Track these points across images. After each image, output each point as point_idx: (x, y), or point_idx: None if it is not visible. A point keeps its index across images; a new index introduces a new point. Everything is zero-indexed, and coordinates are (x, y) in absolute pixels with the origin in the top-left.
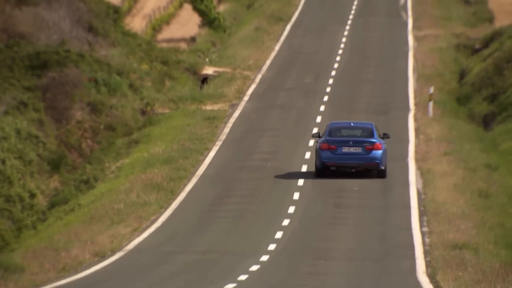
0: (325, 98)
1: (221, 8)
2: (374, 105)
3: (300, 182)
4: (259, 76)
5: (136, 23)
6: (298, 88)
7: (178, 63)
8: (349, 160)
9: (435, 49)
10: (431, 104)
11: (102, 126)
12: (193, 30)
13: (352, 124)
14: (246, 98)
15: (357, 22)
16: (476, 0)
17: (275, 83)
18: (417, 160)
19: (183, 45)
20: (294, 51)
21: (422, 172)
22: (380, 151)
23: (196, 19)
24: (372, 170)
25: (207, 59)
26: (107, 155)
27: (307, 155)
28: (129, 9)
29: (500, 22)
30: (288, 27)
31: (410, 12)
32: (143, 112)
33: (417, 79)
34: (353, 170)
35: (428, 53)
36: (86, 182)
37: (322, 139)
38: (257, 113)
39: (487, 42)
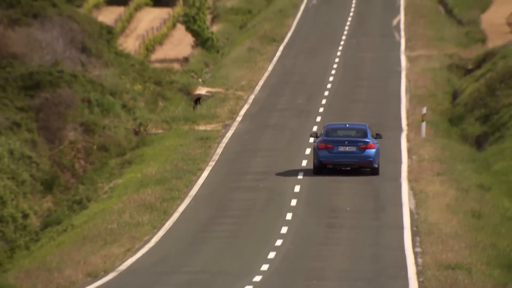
0: (318, 119)
1: (214, 28)
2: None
3: (293, 202)
4: (252, 97)
5: (129, 44)
6: (291, 109)
7: (171, 84)
8: (345, 159)
9: (427, 70)
10: (423, 124)
11: (95, 147)
12: (186, 51)
13: (347, 125)
14: (239, 118)
15: (350, 42)
16: (468, 20)
17: (268, 103)
18: (409, 181)
19: (176, 66)
20: (287, 72)
21: (415, 192)
22: (373, 150)
23: (189, 39)
24: (366, 168)
25: (200, 80)
26: (100, 176)
27: (300, 175)
28: (122, 30)
29: (493, 42)
30: (281, 47)
31: (402, 33)
32: (136, 133)
33: (410, 100)
34: (348, 168)
35: (421, 74)
36: (79, 202)
37: (319, 139)
38: (250, 133)
39: (479, 62)
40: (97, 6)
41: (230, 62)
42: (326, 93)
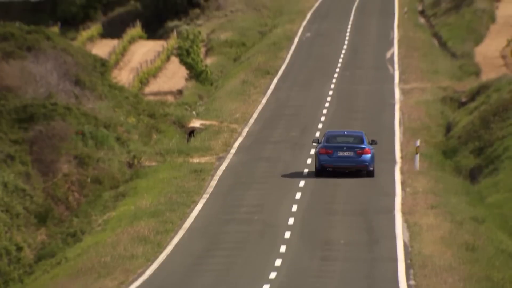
0: (312, 151)
1: (208, 61)
2: None
3: (287, 234)
4: (246, 129)
5: (123, 76)
6: (285, 141)
7: (165, 116)
8: (343, 163)
9: (421, 102)
10: (417, 157)
11: (89, 179)
12: (180, 83)
13: (346, 132)
14: (233, 151)
15: (344, 75)
16: (462, 53)
17: (262, 136)
18: (403, 213)
19: (170, 98)
20: (281, 104)
21: (409, 225)
22: (369, 155)
23: (183, 72)
24: (362, 171)
25: (194, 112)
26: (94, 208)
27: (294, 207)
28: (116, 62)
29: (487, 75)
30: (275, 80)
31: (396, 66)
32: (130, 165)
33: (404, 132)
34: (347, 171)
35: (415, 106)
36: (73, 235)
37: (321, 145)
38: (244, 166)
39: (473, 95)
40: (91, 39)
41: (224, 95)
42: (320, 125)
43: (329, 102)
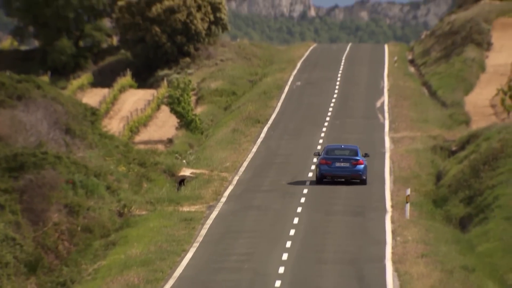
0: (302, 200)
1: (198, 110)
2: (351, 206)
3: (277, 283)
4: (236, 178)
5: (114, 125)
6: (275, 190)
7: (155, 165)
8: (340, 172)
9: (411, 151)
10: (407, 206)
11: (79, 228)
12: (171, 132)
13: (342, 146)
14: (223, 199)
15: (334, 124)
16: (452, 102)
17: (252, 184)
18: (394, 262)
19: (160, 147)
20: (271, 153)
21: (399, 274)
22: (362, 166)
23: (173, 121)
24: (356, 179)
25: (184, 161)
26: (84, 257)
27: (284, 256)
28: (107, 111)
29: (477, 124)
30: (265, 129)
31: (386, 114)
32: (120, 214)
33: (394, 181)
34: (343, 180)
35: (405, 155)
36: (63, 284)
37: (321, 156)
38: (234, 214)
39: (463, 144)
40: (81, 88)
41: (215, 144)
42: (310, 174)
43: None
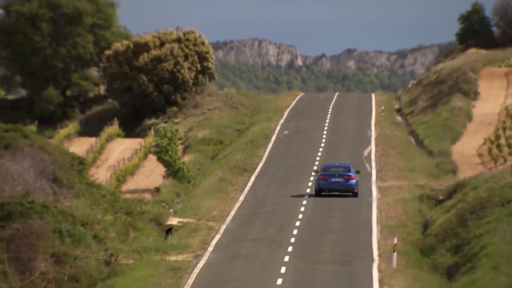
0: (290, 249)
1: (186, 158)
2: (338, 255)
3: None
4: (223, 227)
5: (101, 174)
6: (263, 239)
7: (142, 214)
8: (335, 186)
9: (398, 200)
10: (395, 255)
11: (66, 278)
12: (158, 181)
13: (337, 164)
14: (210, 248)
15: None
16: (439, 151)
17: (239, 233)
18: None
19: (147, 196)
20: (258, 202)
21: None
22: (354, 180)
23: (160, 169)
24: (349, 192)
25: (171, 210)
26: None
27: None
28: (94, 160)
29: (464, 173)
30: (252, 177)
31: (373, 163)
32: (107, 263)
33: (381, 230)
34: (338, 192)
35: (392, 204)
36: None
37: (319, 173)
38: (222, 263)
39: (450, 193)
40: (68, 137)
41: (202, 192)
42: (298, 223)
43: (307, 199)
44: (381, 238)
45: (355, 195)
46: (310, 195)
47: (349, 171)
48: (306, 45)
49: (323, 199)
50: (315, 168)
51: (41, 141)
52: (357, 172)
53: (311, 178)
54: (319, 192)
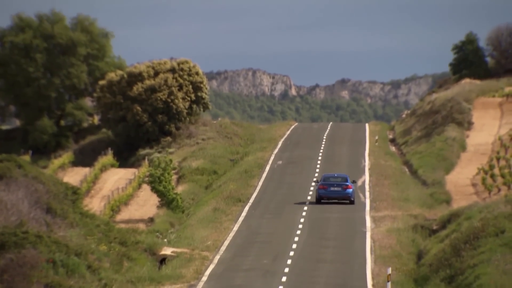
0: (284, 279)
1: (180, 188)
2: (332, 285)
3: None
4: (217, 257)
5: (95, 204)
6: (257, 269)
7: (136, 244)
8: (334, 194)
9: (392, 230)
10: (389, 285)
11: None
12: (152, 211)
13: (336, 175)
14: (204, 278)
15: (315, 203)
16: (433, 181)
17: (233, 263)
18: None
19: (141, 226)
20: (252, 232)
21: None
22: (351, 189)
23: (154, 199)
24: (346, 200)
25: (165, 240)
26: None
27: None
28: (88, 190)
29: (457, 203)
30: (246, 207)
31: (367, 193)
32: None
33: (375, 260)
34: (336, 200)
35: (386, 234)
36: None
37: (319, 183)
38: None
39: (444, 223)
40: (62, 167)
41: (196, 222)
42: (292, 253)
43: (301, 229)
44: (375, 268)
45: (351, 202)
46: (304, 224)
47: (347, 181)
48: (300, 75)
49: (317, 229)
50: (315, 179)
51: (35, 171)
52: (353, 182)
53: (305, 208)
54: (319, 199)
